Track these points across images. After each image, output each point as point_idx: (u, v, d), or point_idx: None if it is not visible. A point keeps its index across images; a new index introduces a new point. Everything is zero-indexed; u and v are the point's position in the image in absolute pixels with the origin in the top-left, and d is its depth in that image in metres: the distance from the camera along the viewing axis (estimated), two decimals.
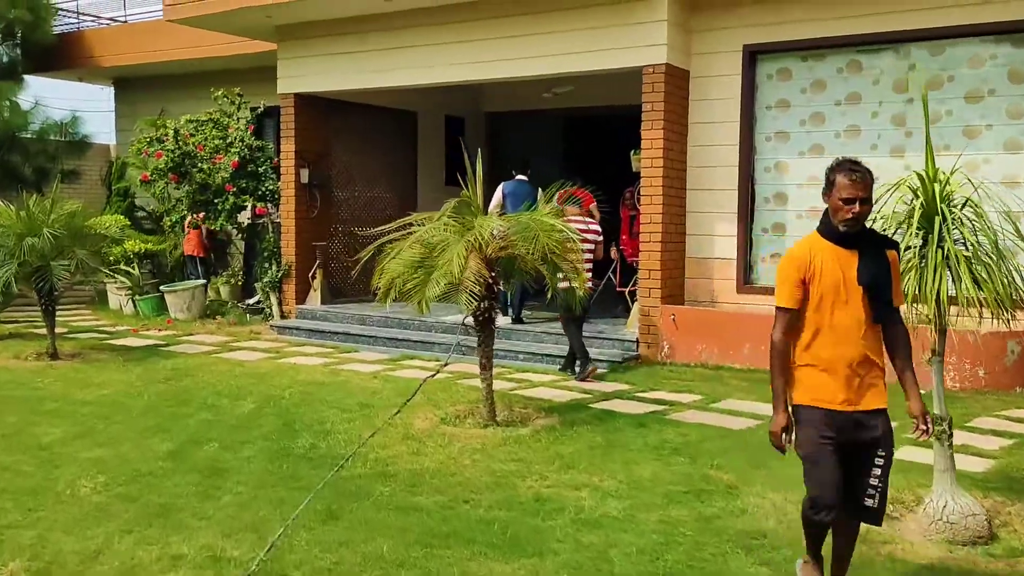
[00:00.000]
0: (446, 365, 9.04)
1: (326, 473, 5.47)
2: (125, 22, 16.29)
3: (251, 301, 12.66)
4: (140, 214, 15.16)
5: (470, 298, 6.21)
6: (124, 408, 7.23)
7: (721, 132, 9.54)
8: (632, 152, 9.80)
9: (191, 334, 11.37)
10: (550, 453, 5.87)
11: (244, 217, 13.00)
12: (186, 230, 12.97)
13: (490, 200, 11.35)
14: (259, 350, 10.25)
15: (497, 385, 8.18)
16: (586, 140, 15.31)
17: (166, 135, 12.29)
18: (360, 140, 12.91)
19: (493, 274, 6.51)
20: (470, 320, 6.51)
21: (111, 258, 12.86)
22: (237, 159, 11.92)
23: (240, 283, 13.65)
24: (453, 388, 8.04)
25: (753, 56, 9.40)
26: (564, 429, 6.44)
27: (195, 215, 12.38)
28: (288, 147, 11.87)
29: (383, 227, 7.08)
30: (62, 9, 16.84)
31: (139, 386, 8.07)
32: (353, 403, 7.40)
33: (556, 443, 6.10)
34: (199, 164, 12.10)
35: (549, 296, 7.15)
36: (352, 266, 12.98)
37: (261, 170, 12.23)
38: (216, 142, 12.14)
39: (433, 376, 8.14)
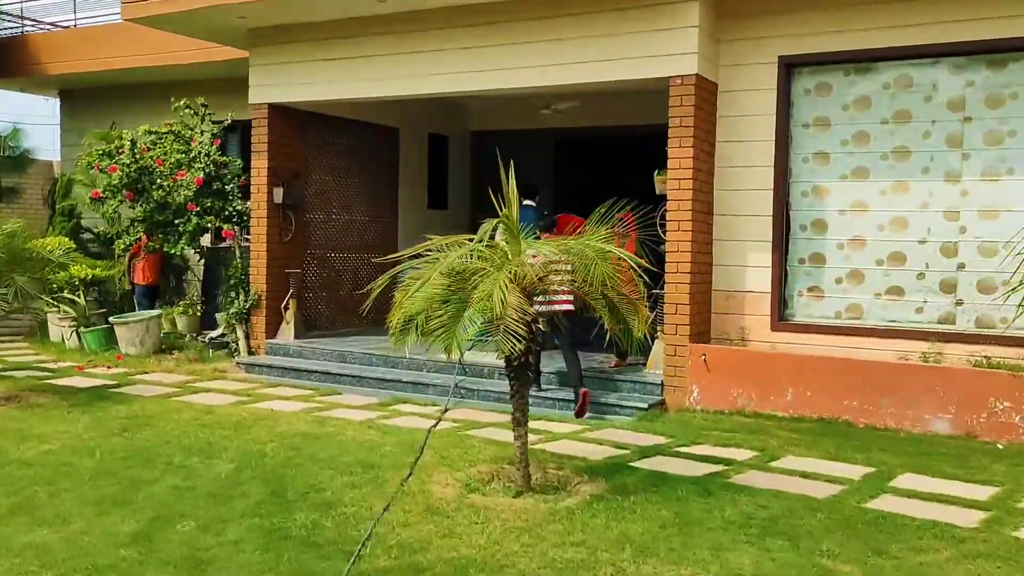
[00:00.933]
0: (447, 411, 7.90)
1: (339, 564, 4.29)
2: (74, 26, 14.91)
3: (214, 334, 11.35)
4: (86, 236, 13.75)
5: (511, 340, 5.09)
6: (72, 470, 5.93)
7: (753, 152, 8.59)
8: (656, 172, 8.80)
9: (146, 372, 10.04)
10: (615, 534, 4.75)
11: (205, 240, 11.72)
12: (139, 254, 11.63)
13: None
14: (227, 392, 8.96)
15: (510, 437, 7.07)
16: (582, 163, 14.33)
17: (121, 147, 10.98)
18: (338, 157, 11.75)
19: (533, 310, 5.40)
20: (487, 359, 5.45)
21: (54, 285, 11.49)
22: (202, 175, 10.65)
23: (199, 313, 12.34)
24: (465, 442, 6.88)
25: (789, 69, 8.49)
26: (617, 498, 5.33)
27: (152, 237, 11.05)
28: (260, 163, 10.65)
29: (399, 255, 5.96)
30: (3, 12, 15.43)
31: (89, 440, 6.76)
32: (352, 461, 6.20)
33: (617, 519, 4.98)
34: (158, 181, 10.80)
35: (607, 339, 6.09)
36: (330, 297, 12.02)
37: (228, 188, 10.98)
38: (178, 156, 10.87)
39: (435, 426, 6.97)
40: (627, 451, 6.65)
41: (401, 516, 5.03)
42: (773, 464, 6.31)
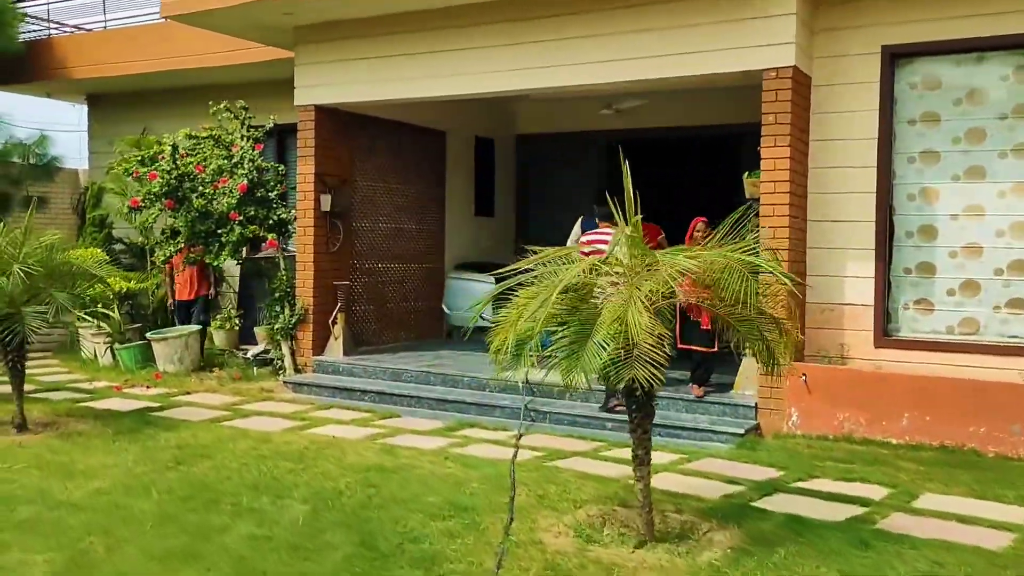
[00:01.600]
0: (521, 438, 7.22)
1: None
2: (104, 28, 14.31)
3: (256, 350, 10.68)
4: (118, 247, 13.12)
5: (647, 368, 4.38)
6: (129, 514, 5.25)
7: (852, 151, 7.86)
8: (746, 174, 8.10)
9: (188, 392, 9.38)
10: None
11: (243, 251, 11.07)
12: (179, 267, 10.97)
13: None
14: (280, 415, 8.29)
15: (604, 469, 6.38)
16: (637, 167, 13.62)
17: (160, 153, 10.33)
18: (385, 162, 11.08)
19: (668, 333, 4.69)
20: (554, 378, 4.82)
21: (86, 298, 10.84)
22: (246, 182, 9.99)
23: (237, 327, 11.69)
24: (558, 477, 6.17)
25: (893, 59, 7.76)
26: (762, 551, 4.61)
27: (193, 248, 10.40)
28: (307, 168, 9.99)
29: (515, 266, 5.24)
30: (30, 16, 14.84)
31: (142, 475, 6.08)
32: (440, 502, 5.50)
33: None
34: (200, 188, 10.15)
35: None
36: (377, 310, 11.29)
37: (271, 196, 10.32)
38: (219, 162, 10.21)
39: (515, 457, 6.26)
40: (741, 487, 5.93)
41: (519, 575, 4.32)
42: (915, 504, 5.57)
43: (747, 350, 5.25)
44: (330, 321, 10.08)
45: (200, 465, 6.34)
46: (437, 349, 10.91)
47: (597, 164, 13.03)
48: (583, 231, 9.35)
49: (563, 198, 13.25)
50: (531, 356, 4.84)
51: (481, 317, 11.54)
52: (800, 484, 6.02)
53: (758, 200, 7.88)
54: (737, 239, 5.00)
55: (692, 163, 13.37)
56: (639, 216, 4.88)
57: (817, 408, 7.45)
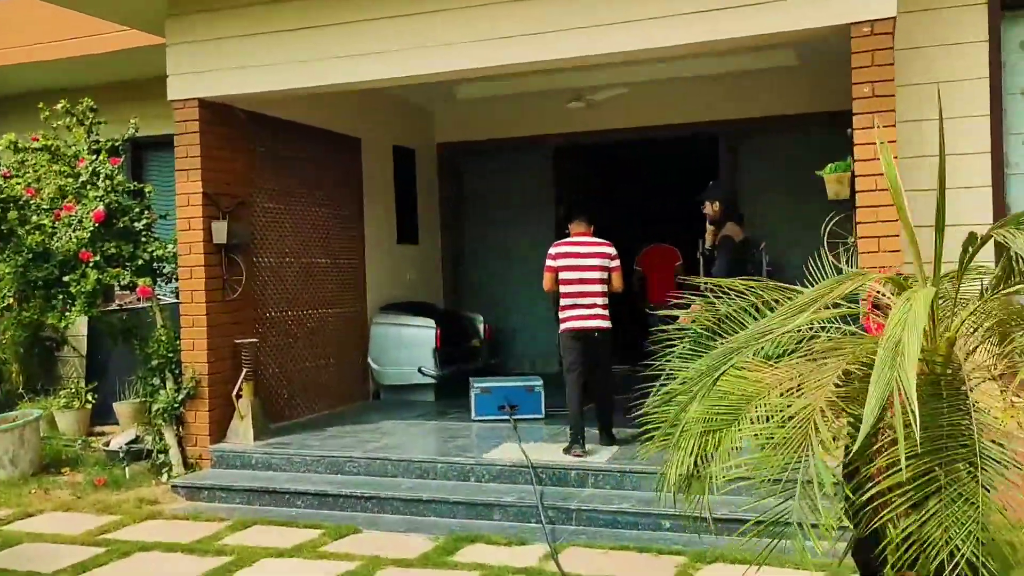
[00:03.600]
0: (558, 562, 4.89)
1: None
2: None
3: (123, 439, 7.74)
4: None
5: None
6: None
7: (954, 134, 5.95)
8: (828, 168, 6.05)
9: (29, 515, 6.43)
10: None
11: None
12: None
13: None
14: (180, 547, 5.54)
15: None
16: (590, 177, 11.51)
17: None
18: (292, 177, 8.45)
19: None
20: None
21: None
22: (102, 208, 7.15)
23: (89, 405, 8.73)
24: None
25: (1000, 10, 5.95)
26: None
27: (26, 304, 7.40)
28: (190, 186, 7.24)
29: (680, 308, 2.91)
30: None
31: None
32: None
33: None
34: (33, 219, 7.22)
35: None
36: (290, 372, 8.14)
37: (138, 226, 7.51)
38: (61, 181, 7.32)
39: None
40: None
41: None
42: None
43: None
44: (233, 394, 7.33)
45: None
46: (370, 418, 8.32)
47: (543, 174, 10.81)
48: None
49: (503, 219, 10.97)
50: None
51: (420, 372, 9.09)
52: None
53: (848, 202, 5.86)
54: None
55: (663, 168, 11.37)
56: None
57: None
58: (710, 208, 7.47)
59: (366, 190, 9.51)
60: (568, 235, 7.03)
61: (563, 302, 6.69)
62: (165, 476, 7.14)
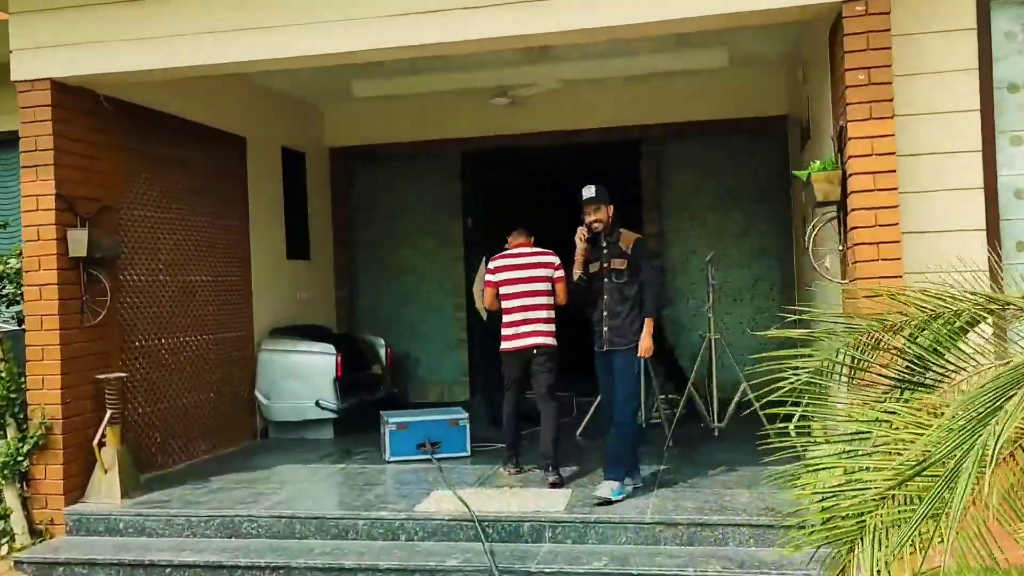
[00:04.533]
0: None
1: None
2: None
3: None
4: None
5: None
6: None
7: (943, 130, 5.32)
8: (815, 166, 5.26)
9: None
10: None
11: None
12: None
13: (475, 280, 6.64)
14: None
15: None
16: (501, 184, 10.55)
17: None
18: (167, 180, 7.15)
19: None
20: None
21: None
22: None
23: None
24: None
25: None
26: None
27: None
28: (40, 187, 5.86)
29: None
30: None
31: None
32: None
33: None
34: None
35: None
36: (166, 413, 6.82)
37: None
38: None
39: None
40: None
41: None
42: None
43: None
44: (95, 442, 5.96)
45: None
46: (263, 462, 7.09)
47: (449, 183, 9.81)
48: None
49: (404, 232, 9.91)
50: None
51: (318, 405, 7.91)
52: None
53: (837, 204, 5.15)
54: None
55: (582, 176, 10.55)
56: None
57: None
58: (603, 214, 5.65)
59: (252, 197, 8.26)
60: (507, 248, 6.32)
61: (505, 319, 6.11)
62: (5, 548, 5.71)
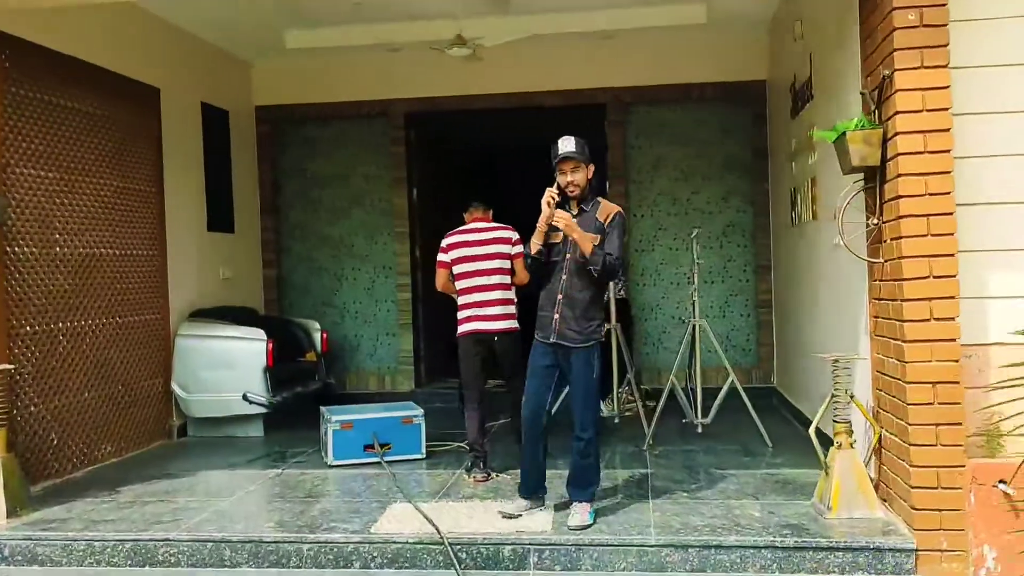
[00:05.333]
0: None
1: None
2: None
3: None
4: None
5: None
6: None
7: (1005, 85, 4.54)
8: (853, 123, 4.45)
9: None
10: None
11: None
12: None
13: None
14: None
15: None
16: (461, 153, 9.59)
17: None
18: (66, 133, 6.01)
19: None
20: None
21: None
22: None
23: None
24: None
25: None
26: None
27: None
28: None
29: None
30: None
31: None
32: None
33: None
34: None
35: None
36: (66, 411, 5.68)
37: None
38: None
39: None
40: None
41: None
42: None
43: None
44: None
45: None
46: (182, 467, 6.07)
47: (391, 148, 8.81)
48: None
49: (339, 203, 8.93)
50: None
51: (246, 399, 6.95)
52: None
53: (876, 170, 4.40)
54: None
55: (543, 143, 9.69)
56: None
57: None
58: (582, 175, 4.60)
59: (168, 158, 7.16)
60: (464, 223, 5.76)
61: (460, 301, 5.53)
62: None
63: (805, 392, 6.75)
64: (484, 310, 5.43)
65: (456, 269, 5.50)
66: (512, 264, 5.50)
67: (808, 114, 6.24)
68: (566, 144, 4.55)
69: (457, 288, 5.51)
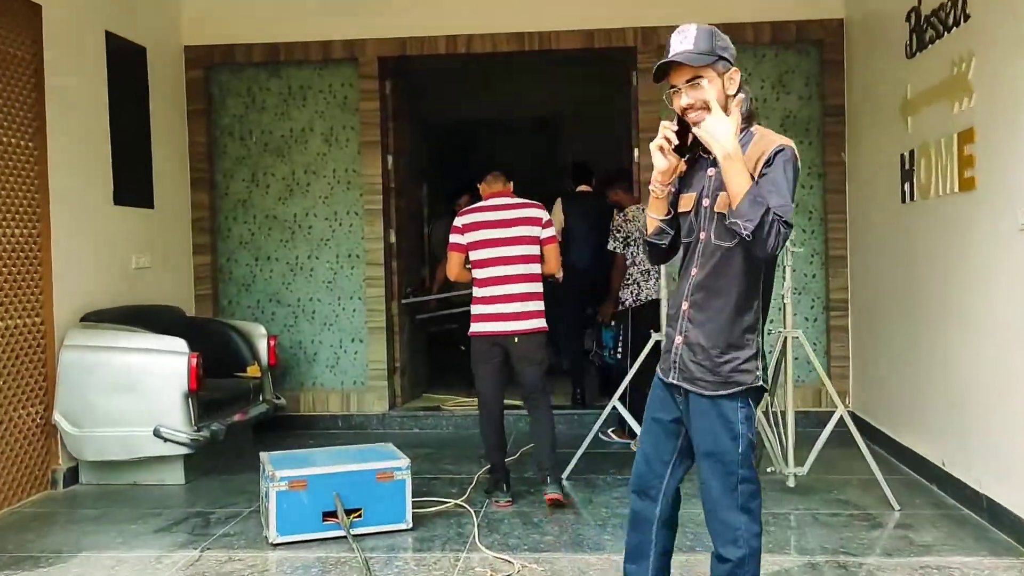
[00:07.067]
0: None
1: None
2: None
3: None
4: None
5: None
6: None
7: None
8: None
9: None
10: None
11: None
12: None
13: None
14: None
15: None
16: (452, 106, 7.69)
17: None
18: None
19: None
20: None
21: None
22: None
23: None
24: None
25: None
26: None
27: None
28: None
29: None
30: None
31: None
32: None
33: None
34: None
35: None
36: None
37: None
38: None
39: None
40: None
41: None
42: None
43: None
44: None
45: None
46: (57, 541, 4.16)
47: (360, 102, 6.89)
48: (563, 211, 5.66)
49: (295, 172, 7.03)
50: None
51: (159, 435, 5.07)
52: None
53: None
54: None
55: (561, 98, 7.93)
56: None
57: None
58: (705, 91, 2.56)
59: (52, 103, 5.20)
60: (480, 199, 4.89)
61: (476, 293, 4.71)
62: None
63: (924, 426, 5.00)
64: (503, 306, 4.60)
65: (473, 255, 4.68)
66: (542, 250, 4.71)
67: (951, 44, 4.46)
68: (681, 38, 2.61)
69: (474, 278, 4.69)
